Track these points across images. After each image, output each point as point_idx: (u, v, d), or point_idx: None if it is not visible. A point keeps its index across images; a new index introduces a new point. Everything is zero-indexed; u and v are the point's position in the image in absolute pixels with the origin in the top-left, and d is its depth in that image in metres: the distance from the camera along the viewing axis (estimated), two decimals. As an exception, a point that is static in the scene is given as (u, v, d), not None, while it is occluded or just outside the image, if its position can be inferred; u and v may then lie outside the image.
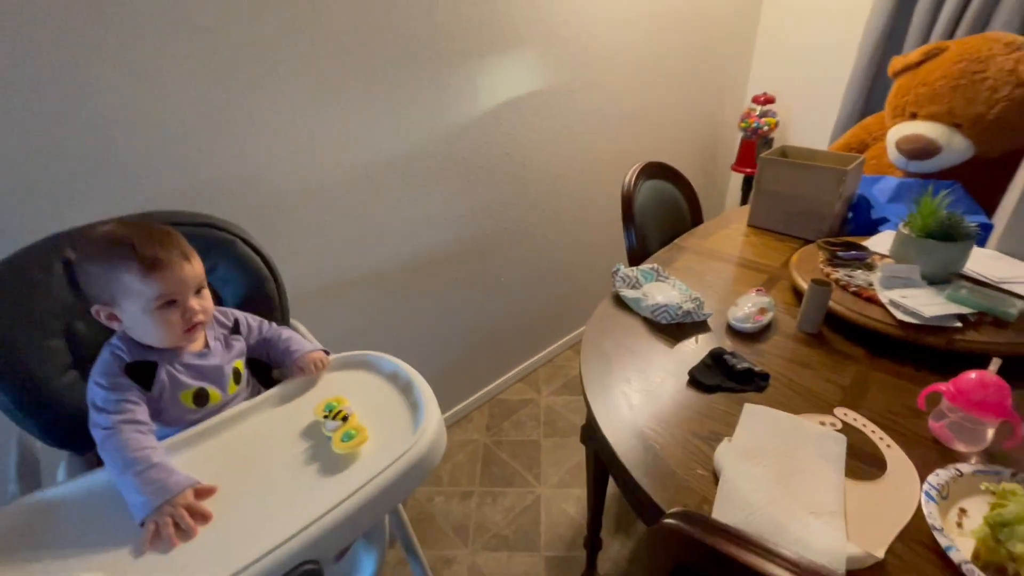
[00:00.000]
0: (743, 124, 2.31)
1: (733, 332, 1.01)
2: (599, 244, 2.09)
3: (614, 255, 1.93)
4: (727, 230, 1.47)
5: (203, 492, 0.66)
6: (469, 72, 1.41)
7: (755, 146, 2.33)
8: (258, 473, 0.71)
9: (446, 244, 1.55)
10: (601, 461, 1.06)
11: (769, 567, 0.48)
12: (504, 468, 1.62)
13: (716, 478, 0.69)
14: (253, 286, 0.95)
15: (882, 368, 0.89)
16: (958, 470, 0.67)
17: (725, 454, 0.71)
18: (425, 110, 1.36)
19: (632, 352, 0.97)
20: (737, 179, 2.69)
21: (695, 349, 0.97)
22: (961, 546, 0.59)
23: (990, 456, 0.71)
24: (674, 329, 1.03)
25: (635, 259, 1.34)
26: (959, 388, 0.70)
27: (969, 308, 0.90)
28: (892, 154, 1.54)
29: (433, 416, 0.72)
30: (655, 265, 1.19)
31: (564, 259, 1.98)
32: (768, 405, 0.82)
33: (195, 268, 0.75)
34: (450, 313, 1.66)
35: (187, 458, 0.72)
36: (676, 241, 1.41)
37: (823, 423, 0.78)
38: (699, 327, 1.03)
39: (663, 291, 1.09)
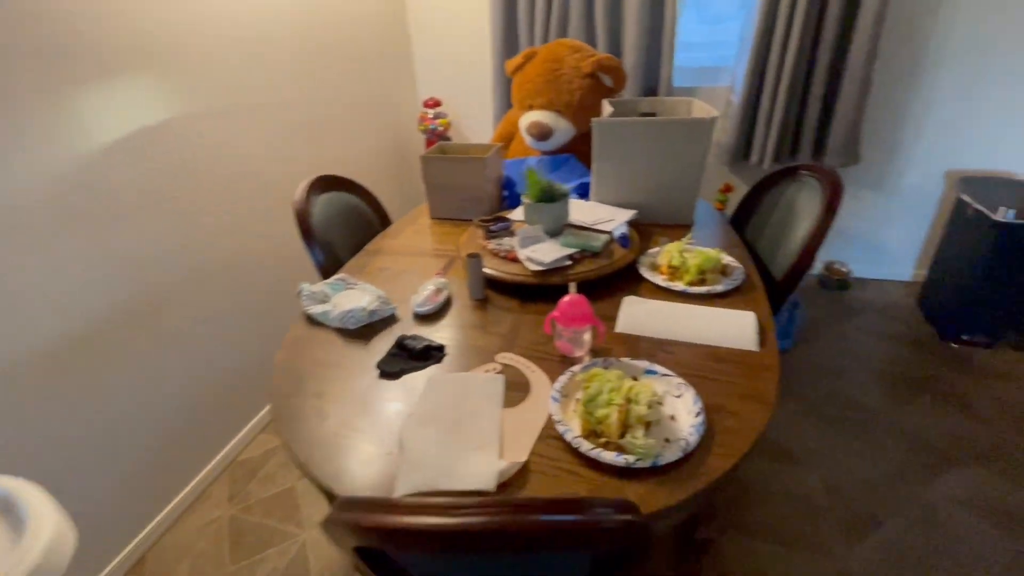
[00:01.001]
0: (421, 127, 2.53)
1: (418, 317, 1.11)
2: (299, 269, 1.95)
3: (314, 277, 1.89)
4: (415, 226, 1.60)
5: None
6: (89, 97, 1.17)
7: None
8: None
9: (106, 307, 1.28)
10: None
11: (420, 520, 0.54)
12: (259, 532, 1.46)
13: (399, 453, 0.75)
14: None
15: (531, 311, 1.11)
16: (572, 371, 0.88)
17: (405, 428, 0.78)
18: (40, 141, 1.08)
19: (327, 365, 0.98)
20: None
21: (388, 343, 1.03)
22: (574, 427, 0.78)
23: (595, 353, 0.96)
24: (367, 331, 1.07)
25: (328, 273, 1.35)
26: (560, 311, 0.92)
27: (573, 249, 1.19)
28: (525, 138, 1.90)
29: (42, 530, 0.59)
30: (342, 275, 1.22)
31: (266, 290, 1.83)
32: (448, 371, 0.94)
33: None
34: (140, 389, 1.39)
35: None
36: (367, 247, 1.46)
37: (488, 371, 0.93)
38: (389, 322, 1.10)
39: (352, 298, 1.13)
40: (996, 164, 2.19)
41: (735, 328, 0.98)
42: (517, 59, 1.89)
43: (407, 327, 1.08)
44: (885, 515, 1.41)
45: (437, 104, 2.54)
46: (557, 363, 0.94)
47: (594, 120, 1.38)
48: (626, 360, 0.90)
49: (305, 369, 0.97)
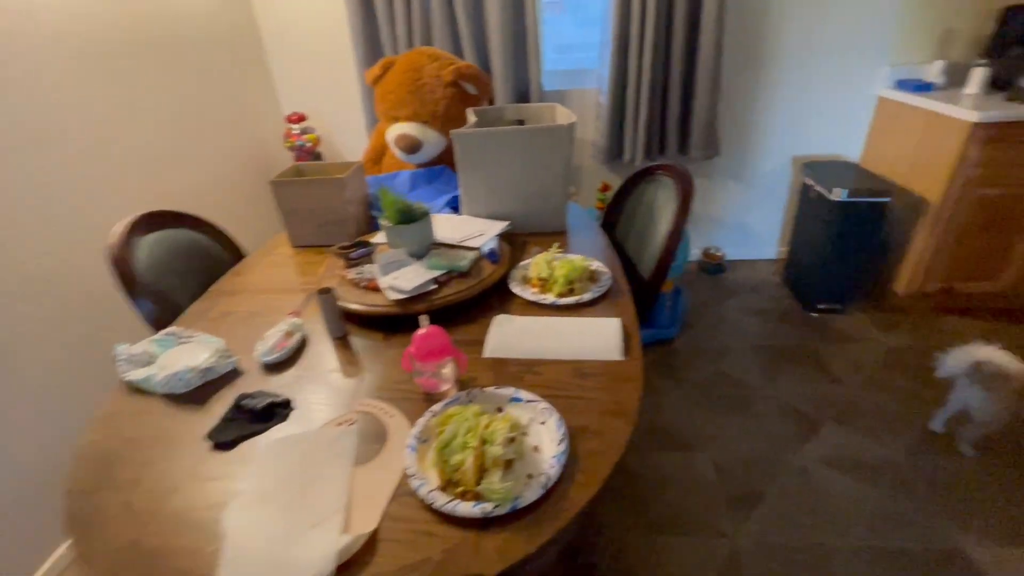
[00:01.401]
0: (287, 144, 2.34)
1: (267, 367, 0.98)
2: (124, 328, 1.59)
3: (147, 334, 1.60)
4: (272, 257, 1.45)
5: None
6: None
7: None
8: None
9: None
10: None
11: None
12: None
13: (221, 548, 0.64)
14: None
15: (397, 345, 1.02)
16: (432, 411, 0.81)
17: (230, 515, 0.67)
18: None
19: (146, 443, 0.82)
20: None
21: (228, 404, 0.90)
22: (431, 478, 0.71)
23: (462, 385, 0.90)
24: (201, 393, 0.93)
25: (165, 326, 1.17)
26: (415, 346, 0.84)
27: (440, 270, 1.12)
28: (395, 152, 1.81)
29: None
30: (173, 329, 1.05)
31: (77, 366, 1.48)
32: (297, 428, 0.83)
33: None
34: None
35: None
36: (212, 288, 1.29)
37: (341, 423, 0.83)
38: (230, 378, 0.96)
39: (184, 356, 0.97)
40: (832, 149, 2.45)
41: (601, 338, 0.97)
42: (375, 69, 1.79)
43: (253, 381, 0.95)
44: (765, 486, 1.50)
45: (302, 119, 2.36)
46: (420, 402, 0.87)
47: (452, 132, 1.32)
48: (491, 390, 0.85)
49: (116, 452, 0.81)
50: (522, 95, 2.29)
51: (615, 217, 1.59)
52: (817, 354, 2.02)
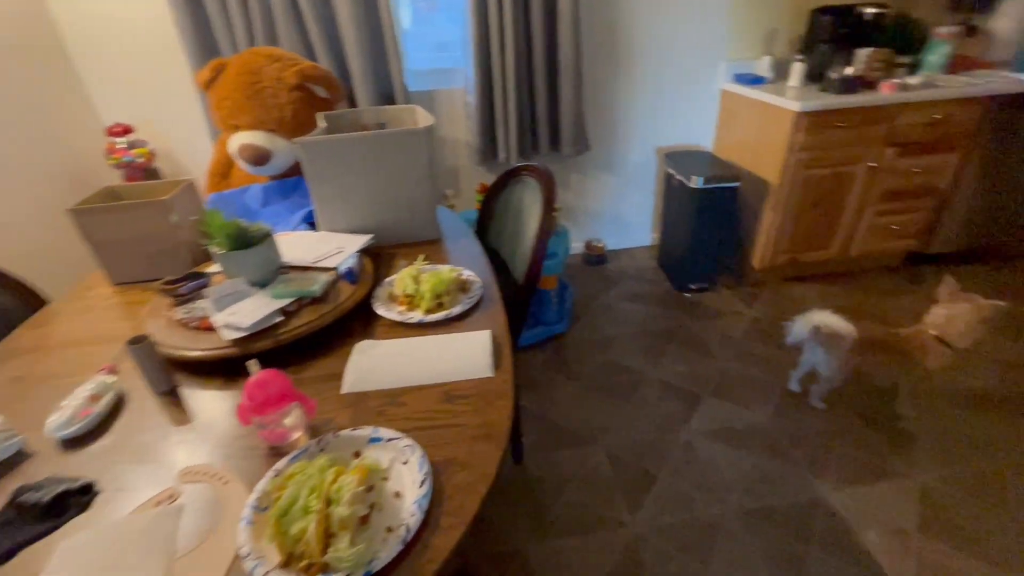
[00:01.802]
0: (112, 161, 2.00)
1: (65, 443, 0.80)
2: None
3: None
4: (85, 301, 1.21)
5: None
6: None
7: (143, 180, 2.08)
8: None
9: None
10: None
11: None
12: None
13: None
14: None
15: (238, 392, 0.89)
16: (276, 469, 0.70)
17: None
18: None
19: None
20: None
21: (2, 503, 0.70)
22: (271, 554, 0.61)
23: (314, 431, 0.79)
24: (-33, 490, 0.72)
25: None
26: (248, 397, 0.72)
27: (287, 299, 1.00)
28: (240, 164, 1.61)
29: None
30: (-74, 411, 0.82)
31: None
32: (101, 519, 0.67)
33: None
34: None
35: None
36: (-3, 347, 1.04)
37: (162, 502, 0.69)
38: (13, 464, 0.76)
39: (-59, 444, 0.75)
40: (689, 139, 2.64)
41: (470, 355, 0.91)
42: (204, 72, 1.57)
43: (46, 464, 0.76)
44: (657, 468, 1.56)
45: (128, 131, 2.03)
46: (266, 459, 0.75)
47: (295, 140, 1.19)
48: (347, 433, 0.75)
49: None
50: (387, 96, 2.17)
51: (487, 221, 1.55)
52: (692, 332, 2.16)
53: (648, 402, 1.81)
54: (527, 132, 2.33)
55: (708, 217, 2.22)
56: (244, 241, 1.02)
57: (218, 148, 1.84)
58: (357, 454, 0.73)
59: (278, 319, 0.96)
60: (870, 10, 2.14)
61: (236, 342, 0.91)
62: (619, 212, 2.79)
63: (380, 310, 1.05)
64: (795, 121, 2.01)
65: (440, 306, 1.05)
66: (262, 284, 1.05)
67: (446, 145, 2.43)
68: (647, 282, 2.56)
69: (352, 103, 2.12)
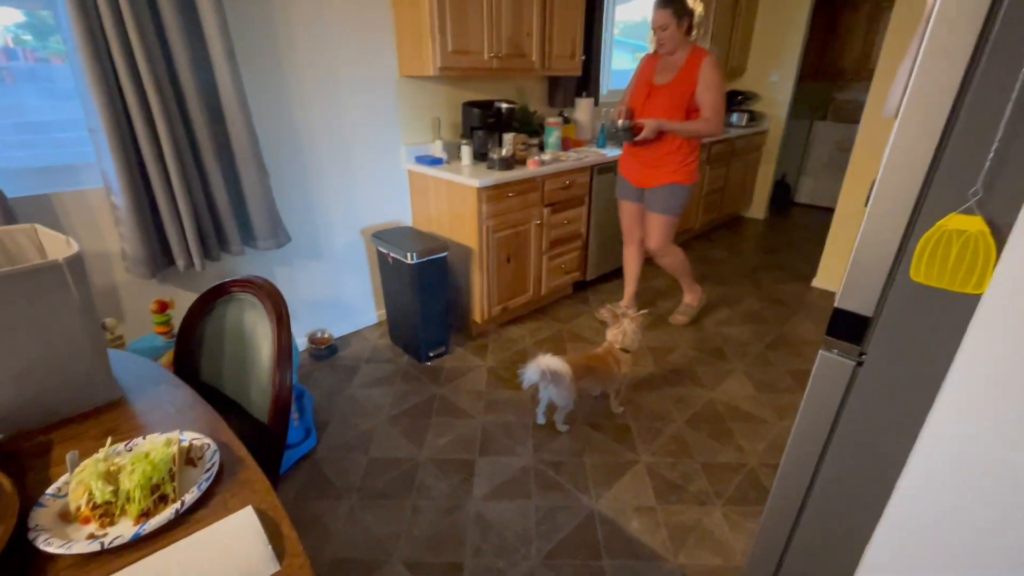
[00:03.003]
0: None
1: None
2: None
3: None
4: None
5: None
6: None
7: None
8: None
9: None
10: None
11: None
12: None
13: None
14: None
15: None
16: None
17: None
18: None
19: None
20: None
21: None
22: None
23: None
24: None
25: None
26: None
27: None
28: None
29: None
30: None
31: None
32: None
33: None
34: None
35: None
36: None
37: None
38: None
39: None
40: (390, 217, 2.73)
41: (237, 552, 0.68)
42: None
43: None
44: (459, 555, 1.50)
45: None
46: None
47: None
48: None
49: None
50: (-34, 208, 1.50)
51: (190, 356, 1.23)
52: (445, 398, 2.20)
53: (427, 487, 1.74)
54: (210, 230, 1.98)
55: (428, 287, 2.34)
56: None
57: None
58: None
59: None
60: (505, 105, 2.70)
61: None
62: (338, 297, 2.65)
63: (52, 546, 0.68)
64: (478, 195, 2.34)
65: (163, 500, 0.76)
66: None
67: (91, 260, 1.84)
68: (386, 361, 2.49)
69: None
